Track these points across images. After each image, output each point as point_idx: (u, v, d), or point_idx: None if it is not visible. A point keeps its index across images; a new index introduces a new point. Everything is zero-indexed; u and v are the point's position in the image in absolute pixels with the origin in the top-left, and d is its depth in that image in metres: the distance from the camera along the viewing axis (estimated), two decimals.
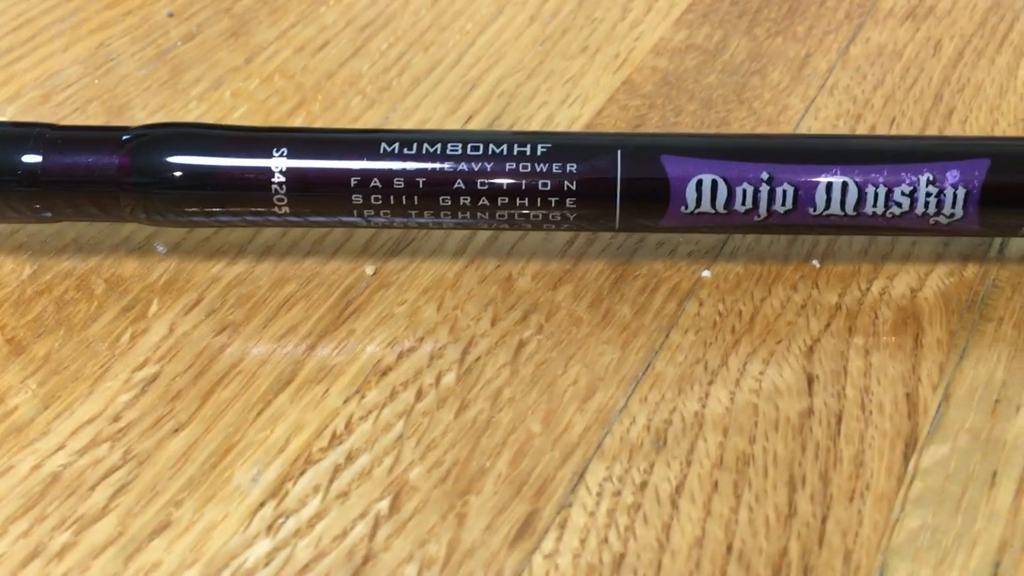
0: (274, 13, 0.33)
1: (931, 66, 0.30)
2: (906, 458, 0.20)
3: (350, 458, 0.20)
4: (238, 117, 0.29)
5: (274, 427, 0.21)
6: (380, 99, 0.29)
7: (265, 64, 0.31)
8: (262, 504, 0.20)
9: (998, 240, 0.25)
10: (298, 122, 0.29)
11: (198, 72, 0.30)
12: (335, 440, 0.21)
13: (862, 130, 0.28)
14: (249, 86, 0.30)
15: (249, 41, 0.32)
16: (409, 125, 0.29)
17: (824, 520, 0.19)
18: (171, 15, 0.33)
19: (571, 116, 0.29)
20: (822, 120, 0.29)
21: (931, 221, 0.23)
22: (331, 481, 0.20)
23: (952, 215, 0.23)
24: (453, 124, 0.29)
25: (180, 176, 0.23)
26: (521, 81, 0.30)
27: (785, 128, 0.28)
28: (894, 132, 0.28)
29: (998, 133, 0.28)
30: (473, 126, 0.28)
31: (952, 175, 0.22)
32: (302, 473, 0.20)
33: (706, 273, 0.24)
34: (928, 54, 0.31)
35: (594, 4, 0.33)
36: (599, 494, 0.20)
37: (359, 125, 0.28)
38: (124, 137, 0.23)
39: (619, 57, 0.31)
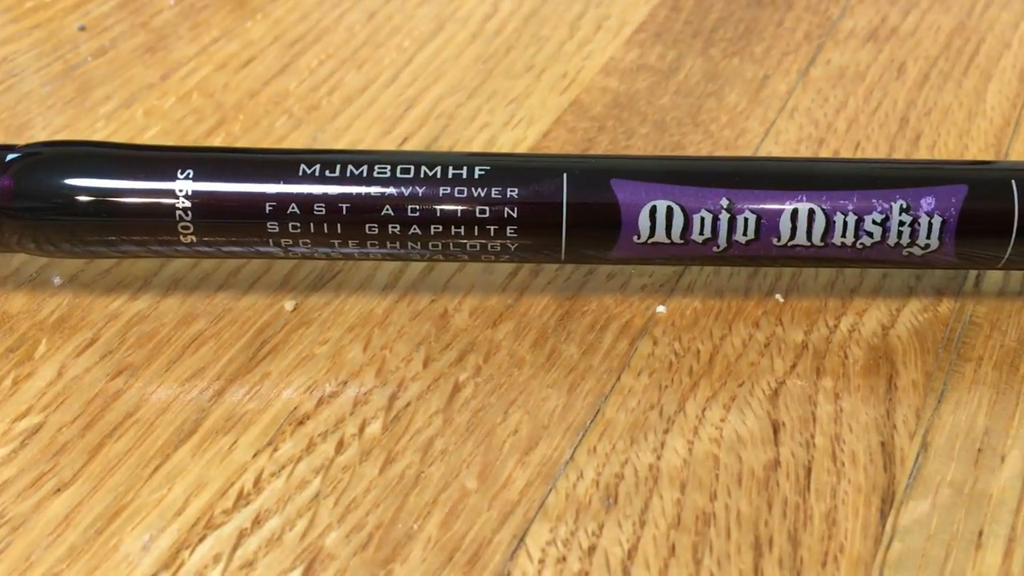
0: (195, 28, 0.30)
1: (895, 89, 0.29)
2: (883, 516, 0.18)
3: (257, 521, 0.18)
4: (150, 138, 0.26)
5: (172, 485, 0.18)
6: (308, 119, 0.27)
7: (183, 81, 0.28)
8: None
9: (973, 273, 0.23)
10: (216, 143, 0.26)
11: (108, 89, 0.28)
12: (241, 500, 0.18)
13: (825, 155, 0.26)
14: (164, 104, 0.27)
15: (167, 57, 0.29)
16: (339, 147, 0.26)
17: None
18: (83, 28, 0.30)
19: (515, 138, 0.27)
20: (783, 144, 0.27)
21: (904, 252, 0.21)
22: (235, 549, 0.18)
23: (927, 246, 0.21)
24: (387, 146, 0.26)
25: (71, 201, 0.20)
26: (461, 101, 0.28)
27: (744, 152, 0.26)
28: (860, 157, 0.26)
29: (968, 158, 0.26)
30: (409, 148, 0.26)
31: (927, 202, 0.20)
32: (201, 540, 0.18)
33: (661, 309, 0.22)
34: (892, 76, 0.29)
35: (540, 22, 0.31)
36: (542, 561, 0.18)
37: (283, 147, 0.26)
38: (9, 157, 0.21)
39: (567, 77, 0.29)
